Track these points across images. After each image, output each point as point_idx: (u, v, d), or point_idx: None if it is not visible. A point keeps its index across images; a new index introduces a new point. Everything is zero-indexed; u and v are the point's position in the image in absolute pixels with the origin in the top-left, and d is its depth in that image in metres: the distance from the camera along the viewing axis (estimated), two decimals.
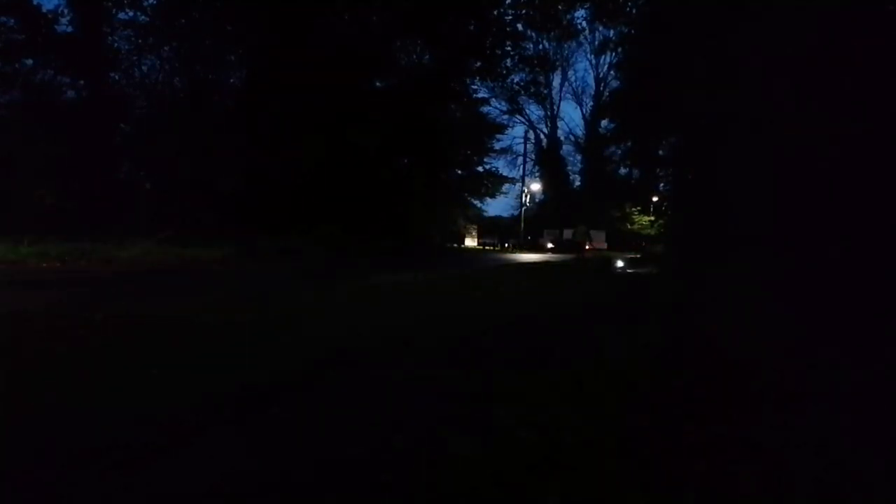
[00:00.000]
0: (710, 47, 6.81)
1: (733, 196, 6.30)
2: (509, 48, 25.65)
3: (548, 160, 44.53)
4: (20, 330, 3.71)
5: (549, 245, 35.18)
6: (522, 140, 48.49)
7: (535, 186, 42.82)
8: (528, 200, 40.10)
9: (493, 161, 30.85)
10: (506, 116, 39.36)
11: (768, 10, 5.51)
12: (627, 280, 10.89)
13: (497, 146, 30.71)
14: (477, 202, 31.93)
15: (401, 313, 5.39)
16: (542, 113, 49.44)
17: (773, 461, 2.02)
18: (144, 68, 19.58)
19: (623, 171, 44.21)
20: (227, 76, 20.42)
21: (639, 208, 38.23)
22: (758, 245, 5.58)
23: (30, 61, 16.87)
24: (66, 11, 17.04)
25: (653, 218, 28.26)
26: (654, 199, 29.30)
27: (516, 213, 41.03)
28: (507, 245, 35.26)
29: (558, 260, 21.32)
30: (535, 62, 38.09)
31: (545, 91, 43.96)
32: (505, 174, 33.36)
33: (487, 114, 29.35)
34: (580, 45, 42.92)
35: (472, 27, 22.89)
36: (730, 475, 1.89)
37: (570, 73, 67.75)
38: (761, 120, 5.64)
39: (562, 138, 46.56)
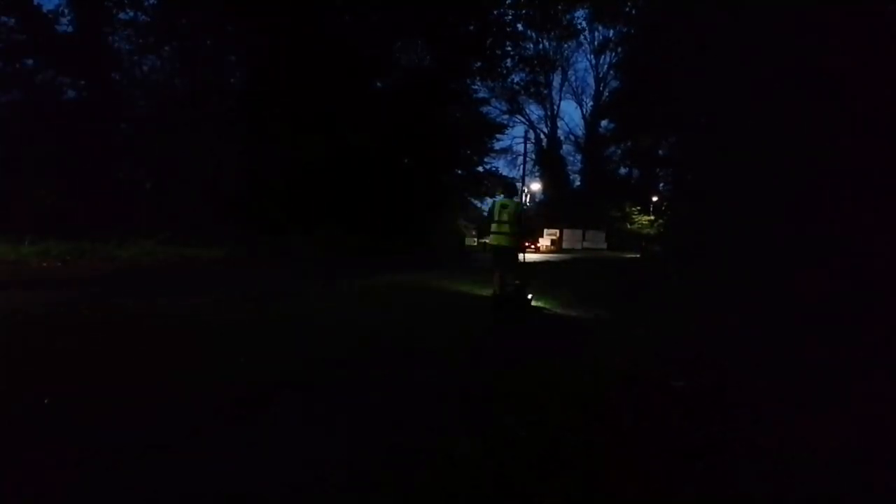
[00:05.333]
0: (709, 48, 6.83)
1: (730, 196, 6.32)
2: (509, 48, 25.62)
3: (548, 160, 44.52)
4: (41, 329, 3.73)
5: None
6: (522, 140, 48.49)
7: (535, 186, 42.84)
8: (528, 200, 40.10)
9: (493, 161, 30.85)
10: (506, 116, 39.33)
11: (767, 11, 5.53)
12: None
13: (497, 146, 30.66)
14: (477, 202, 31.93)
15: (398, 311, 5.42)
16: (542, 113, 49.51)
17: (771, 460, 2.04)
18: (145, 68, 19.57)
19: (623, 170, 44.23)
20: (227, 76, 20.40)
21: (639, 208, 38.25)
22: (756, 246, 5.60)
23: (30, 61, 16.85)
24: (66, 11, 17.03)
25: (652, 218, 28.27)
26: (654, 199, 29.33)
27: None
28: None
29: (558, 259, 21.39)
30: (535, 62, 38.02)
31: (545, 91, 43.95)
32: (505, 174, 33.34)
33: (487, 114, 29.30)
34: (580, 45, 42.92)
35: (472, 27, 22.89)
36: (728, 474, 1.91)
37: (570, 72, 67.63)
38: (759, 120, 5.66)
39: (562, 138, 46.57)
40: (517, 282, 5.97)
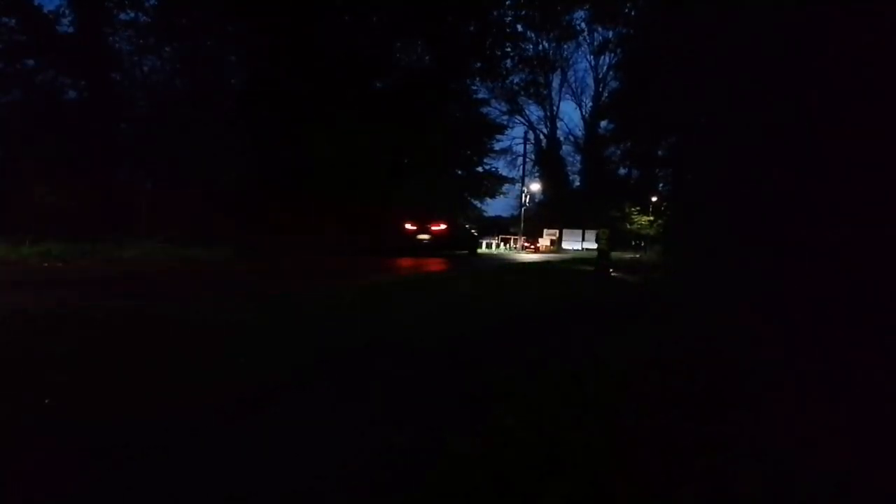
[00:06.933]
0: (708, 49, 6.84)
1: (729, 197, 6.33)
2: (509, 49, 25.73)
3: (547, 160, 44.59)
4: (41, 329, 3.73)
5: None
6: (522, 140, 48.48)
7: (535, 186, 42.82)
8: (527, 200, 40.09)
9: (492, 161, 30.96)
10: (506, 117, 39.41)
11: (767, 11, 5.54)
12: None
13: (497, 146, 30.78)
14: (477, 202, 31.98)
15: (399, 311, 5.42)
16: (541, 113, 49.63)
17: (771, 460, 2.05)
18: (145, 69, 19.61)
19: (622, 171, 44.25)
20: (227, 76, 20.43)
21: (638, 208, 38.24)
22: (754, 246, 5.61)
23: (31, 62, 16.88)
24: (67, 12, 17.06)
25: (652, 218, 28.28)
26: (654, 199, 29.32)
27: (516, 213, 41.04)
28: (504, 246, 35.40)
29: (558, 259, 21.34)
30: (535, 63, 38.16)
31: (545, 91, 44.06)
32: (505, 174, 33.40)
33: (487, 114, 29.37)
34: (579, 45, 43.08)
35: (472, 28, 22.95)
36: (728, 475, 1.91)
37: (570, 73, 67.46)
38: (758, 120, 5.67)
39: (561, 139, 46.66)
40: (606, 264, 14.17)
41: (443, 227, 18.76)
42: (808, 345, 3.84)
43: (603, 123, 42.38)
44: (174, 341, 3.68)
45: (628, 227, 39.80)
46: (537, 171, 44.65)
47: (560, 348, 4.09)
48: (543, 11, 27.78)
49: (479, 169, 27.97)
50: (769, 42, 5.44)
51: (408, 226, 18.85)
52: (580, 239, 40.39)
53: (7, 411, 2.27)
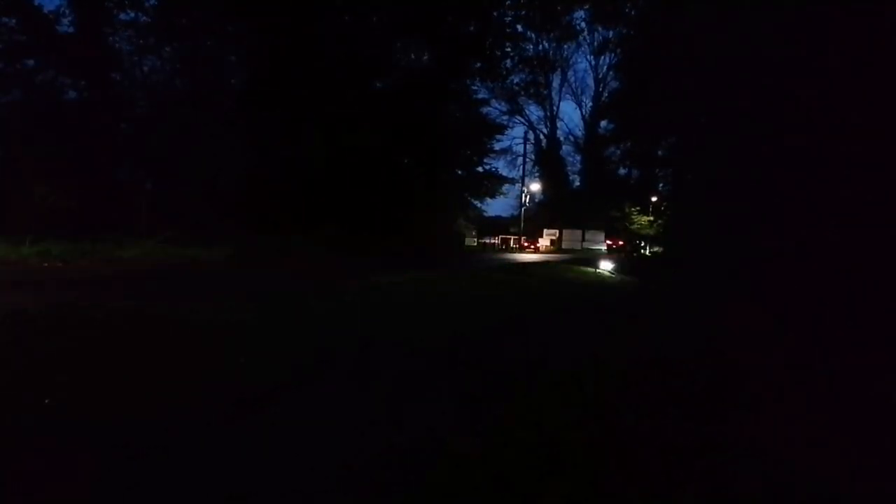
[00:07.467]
0: (707, 50, 6.84)
1: (729, 197, 6.33)
2: (509, 49, 25.65)
3: (547, 160, 44.46)
4: (41, 329, 3.72)
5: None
6: (522, 140, 48.32)
7: (535, 186, 42.67)
8: (527, 200, 39.95)
9: (492, 161, 30.76)
10: (506, 117, 39.23)
11: (766, 13, 5.54)
12: None
13: (497, 147, 30.64)
14: (477, 202, 31.89)
15: (399, 311, 5.42)
16: (541, 113, 49.37)
17: (771, 460, 2.05)
18: (145, 69, 19.56)
19: (622, 171, 44.13)
20: (227, 76, 20.39)
21: (638, 208, 38.15)
22: (754, 246, 5.61)
23: (31, 62, 16.84)
24: (67, 12, 17.01)
25: (652, 218, 28.23)
26: (654, 199, 29.27)
27: (516, 213, 40.92)
28: (504, 246, 35.33)
29: (558, 259, 21.36)
30: (535, 63, 38.07)
31: (545, 91, 43.87)
32: (505, 174, 33.28)
33: (487, 114, 29.28)
34: (580, 45, 42.83)
35: (472, 27, 22.89)
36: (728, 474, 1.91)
37: (570, 73, 67.16)
38: (756, 121, 5.67)
39: (561, 139, 46.47)
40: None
41: (621, 242, 35.34)
42: (808, 345, 3.84)
43: (603, 123, 42.26)
44: (174, 341, 3.68)
45: (628, 226, 39.73)
46: (537, 171, 44.54)
47: (560, 347, 4.10)
48: (543, 11, 27.81)
49: (479, 169, 27.86)
50: (769, 42, 5.44)
51: (608, 242, 37.14)
52: (580, 239, 40.30)
53: (7, 411, 2.27)
